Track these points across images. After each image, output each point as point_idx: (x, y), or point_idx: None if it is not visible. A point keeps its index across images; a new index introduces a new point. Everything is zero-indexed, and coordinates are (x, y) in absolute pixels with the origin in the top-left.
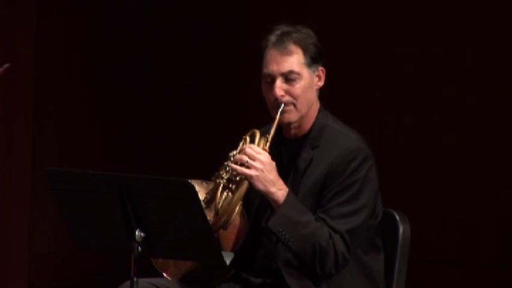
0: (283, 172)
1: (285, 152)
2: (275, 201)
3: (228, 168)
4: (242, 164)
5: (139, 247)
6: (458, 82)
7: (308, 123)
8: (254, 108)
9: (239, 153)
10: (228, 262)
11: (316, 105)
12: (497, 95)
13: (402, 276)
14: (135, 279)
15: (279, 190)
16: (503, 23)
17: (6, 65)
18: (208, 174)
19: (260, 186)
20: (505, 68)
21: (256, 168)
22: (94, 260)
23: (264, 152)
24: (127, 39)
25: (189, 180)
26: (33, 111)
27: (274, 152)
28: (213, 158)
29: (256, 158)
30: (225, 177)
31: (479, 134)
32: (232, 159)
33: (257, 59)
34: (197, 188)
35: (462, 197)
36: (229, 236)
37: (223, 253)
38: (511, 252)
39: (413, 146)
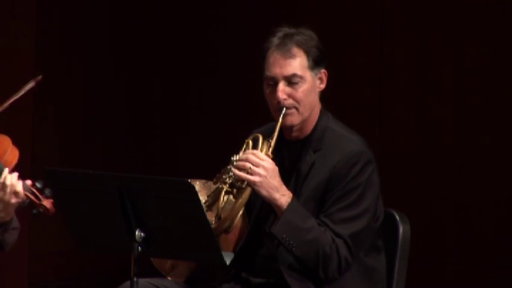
0: (285, 175)
1: (287, 155)
2: (279, 207)
3: (230, 173)
4: (245, 170)
5: (139, 247)
6: (458, 83)
7: (310, 126)
8: (255, 109)
9: (242, 159)
10: (228, 262)
11: (318, 107)
12: (497, 96)
13: (402, 276)
14: (135, 279)
15: (282, 196)
16: (503, 24)
17: (39, 77)
18: (209, 174)
19: (264, 192)
20: (504, 68)
21: (259, 175)
22: (94, 260)
23: (267, 158)
24: (127, 39)
25: (189, 180)
26: (33, 111)
27: (276, 154)
28: (213, 158)
29: (259, 165)
30: (228, 182)
31: (479, 135)
32: (234, 164)
33: (258, 60)
34: (198, 188)
35: (462, 197)
36: (229, 236)
37: (223, 253)
38: (511, 252)
39: (413, 146)
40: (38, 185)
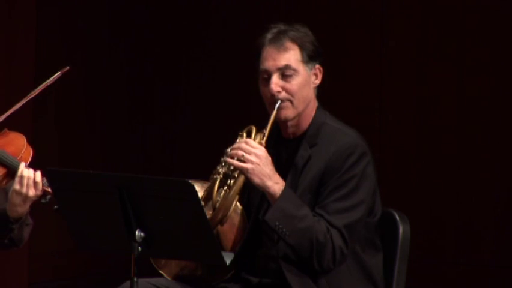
0: (283, 171)
1: (284, 152)
2: (272, 195)
3: (224, 163)
4: (238, 159)
5: (139, 247)
6: (458, 82)
7: (306, 122)
8: (254, 108)
9: (234, 147)
10: (228, 262)
11: (314, 103)
12: (497, 96)
13: (402, 276)
14: (135, 279)
15: (275, 184)
16: (503, 23)
17: (65, 69)
18: (208, 174)
19: (256, 180)
20: (505, 68)
21: (252, 162)
22: (94, 260)
23: (260, 146)
24: (127, 38)
25: (189, 181)
26: (33, 111)
27: (273, 152)
28: (212, 158)
29: (251, 152)
30: (222, 172)
31: (479, 135)
32: (228, 153)
33: (256, 58)
34: (197, 188)
35: (462, 197)
36: (229, 236)
37: (223, 253)
38: (511, 252)
39: (413, 146)
40: None
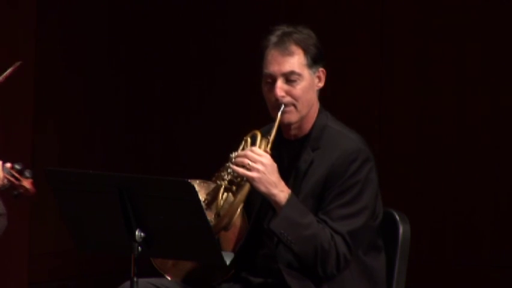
0: (284, 173)
1: (286, 153)
2: (277, 203)
3: (229, 170)
4: (244, 166)
5: (139, 247)
6: (458, 83)
7: (308, 124)
8: (254, 109)
9: (240, 155)
10: (228, 262)
11: (316, 106)
12: (497, 96)
13: (402, 276)
14: (135, 279)
15: (281, 192)
16: (503, 23)
17: (18, 63)
18: (208, 174)
19: (262, 188)
20: (504, 69)
21: (258, 171)
22: (94, 260)
23: (265, 154)
24: (127, 39)
25: (189, 180)
26: (33, 111)
27: (275, 153)
28: (213, 158)
29: (257, 160)
30: (227, 179)
31: (479, 134)
32: (233, 160)
33: (258, 59)
34: (197, 188)
35: (462, 197)
36: (229, 236)
37: (223, 253)
38: (511, 252)
39: (413, 146)
40: (17, 166)
